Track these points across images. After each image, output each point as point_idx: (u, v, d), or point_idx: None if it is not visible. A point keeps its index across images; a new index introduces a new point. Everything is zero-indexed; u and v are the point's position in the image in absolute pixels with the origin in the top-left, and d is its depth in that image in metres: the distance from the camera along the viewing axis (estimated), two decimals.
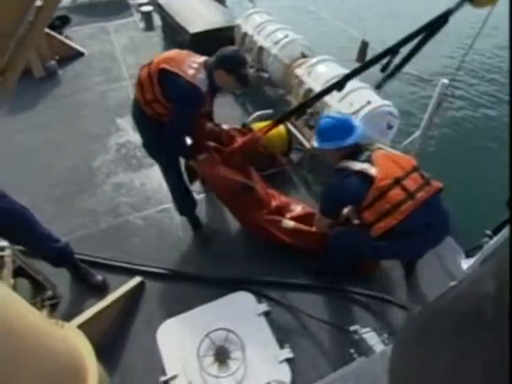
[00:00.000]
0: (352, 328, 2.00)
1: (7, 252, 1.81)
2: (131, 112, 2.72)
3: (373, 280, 2.69)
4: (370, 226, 2.22)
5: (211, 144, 2.75)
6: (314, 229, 2.73)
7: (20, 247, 2.28)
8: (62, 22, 6.28)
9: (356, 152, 2.32)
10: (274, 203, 2.91)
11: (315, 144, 2.46)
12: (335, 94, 3.23)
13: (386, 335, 1.86)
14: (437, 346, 0.83)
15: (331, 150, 2.39)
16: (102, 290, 2.61)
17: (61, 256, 2.50)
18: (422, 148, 3.20)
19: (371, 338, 1.86)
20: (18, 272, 2.08)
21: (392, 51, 2.33)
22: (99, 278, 2.66)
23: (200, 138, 2.79)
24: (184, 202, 2.97)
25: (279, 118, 2.81)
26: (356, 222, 2.54)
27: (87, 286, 2.63)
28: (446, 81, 2.77)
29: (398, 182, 2.15)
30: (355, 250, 2.44)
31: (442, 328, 0.88)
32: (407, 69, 2.89)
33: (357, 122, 2.47)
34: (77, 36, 6.22)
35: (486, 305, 0.55)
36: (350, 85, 3.23)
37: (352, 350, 1.89)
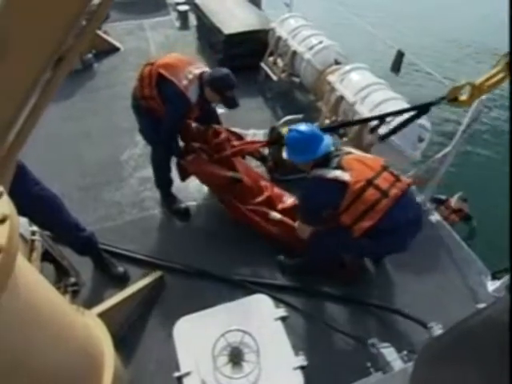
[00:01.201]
0: (370, 341, 1.96)
1: (37, 236, 1.86)
2: (131, 97, 2.95)
3: (394, 294, 2.65)
4: (349, 229, 2.27)
5: (197, 145, 3.02)
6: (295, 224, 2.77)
7: (48, 233, 2.34)
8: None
9: (326, 159, 2.36)
10: (266, 193, 3.04)
11: (287, 156, 2.48)
12: (366, 103, 3.21)
13: (405, 352, 1.81)
14: (465, 369, 0.80)
15: (303, 162, 2.44)
16: (122, 281, 2.65)
17: (86, 245, 2.56)
18: (453, 163, 3.12)
19: (390, 353, 1.82)
20: (44, 256, 2.14)
21: (381, 119, 2.85)
22: (121, 269, 2.71)
23: (187, 139, 3.06)
24: (163, 178, 3.22)
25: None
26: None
27: (108, 277, 2.68)
28: (483, 97, 2.70)
29: (370, 182, 2.21)
30: (337, 249, 2.48)
31: (471, 352, 0.85)
32: (444, 81, 2.85)
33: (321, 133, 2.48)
34: (114, 31, 6.37)
35: None
36: (383, 95, 3.21)
37: (369, 364, 1.85)
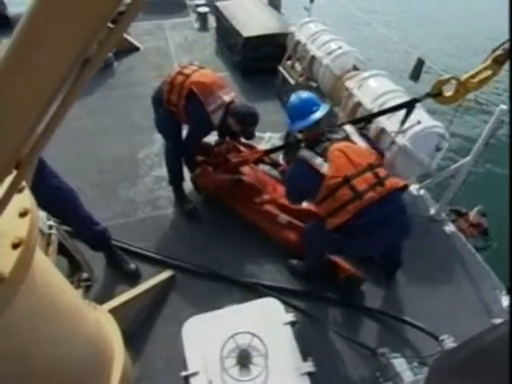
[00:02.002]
0: (380, 351, 1.94)
1: (54, 231, 1.89)
2: (153, 93, 3.06)
3: (406, 305, 2.62)
4: (324, 220, 2.25)
5: (201, 158, 3.28)
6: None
7: (65, 227, 2.38)
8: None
9: (317, 140, 2.33)
10: (273, 192, 3.15)
11: (290, 128, 2.52)
12: (380, 108, 3.18)
13: (415, 364, 1.79)
14: None
15: (304, 128, 2.40)
16: (134, 279, 2.68)
17: (99, 240, 2.59)
18: (471, 174, 3.07)
19: (400, 364, 1.80)
20: (59, 250, 2.17)
21: (368, 119, 2.93)
22: (133, 266, 2.73)
23: (195, 153, 3.28)
24: (174, 175, 3.29)
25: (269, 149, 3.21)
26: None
27: (120, 273, 2.70)
28: (504, 106, 2.65)
29: (347, 181, 2.13)
30: (318, 241, 2.46)
31: (487, 367, 0.84)
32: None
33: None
34: (134, 31, 6.46)
35: None
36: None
37: (378, 374, 1.83)
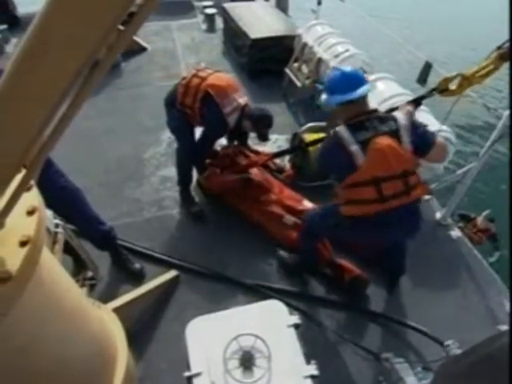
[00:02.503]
0: (384, 355, 1.92)
1: (60, 229, 1.90)
2: (167, 95, 3.09)
3: (411, 310, 2.60)
4: (340, 205, 2.23)
5: (208, 161, 3.33)
6: None
7: (71, 226, 2.39)
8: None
9: (360, 124, 2.12)
10: (279, 193, 3.18)
11: (325, 101, 2.30)
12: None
13: (419, 369, 1.77)
14: None
15: (339, 104, 2.20)
16: (138, 278, 2.69)
17: (104, 239, 2.61)
18: (476, 179, 3.05)
19: (403, 369, 1.78)
20: (65, 248, 2.18)
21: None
22: (137, 266, 2.74)
23: (207, 155, 3.32)
24: (183, 176, 3.32)
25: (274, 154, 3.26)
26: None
27: (125, 273, 2.71)
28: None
29: (376, 182, 2.06)
30: (318, 228, 2.45)
31: (493, 374, 0.83)
32: (472, 94, 2.79)
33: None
34: (142, 32, 6.49)
35: None
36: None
37: (381, 378, 1.82)
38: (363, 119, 2.13)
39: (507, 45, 2.26)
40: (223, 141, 3.54)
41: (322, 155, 2.35)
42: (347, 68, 2.29)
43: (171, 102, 3.03)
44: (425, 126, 2.29)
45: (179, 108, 2.97)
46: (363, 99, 2.19)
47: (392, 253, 2.66)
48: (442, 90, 2.52)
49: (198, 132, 3.16)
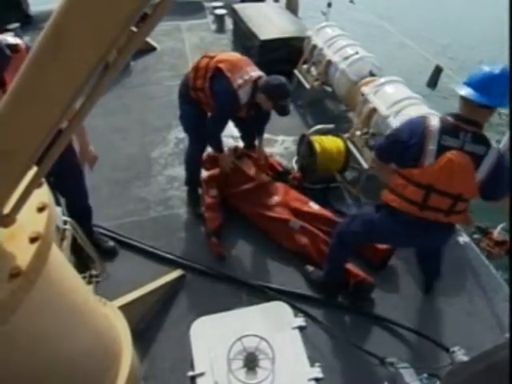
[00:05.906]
0: (389, 360, 1.91)
1: (68, 226, 1.91)
2: (179, 86, 2.99)
3: (416, 315, 2.59)
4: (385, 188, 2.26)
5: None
6: (321, 234, 2.84)
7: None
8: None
9: (455, 129, 1.99)
10: (284, 194, 3.13)
11: (476, 98, 1.97)
12: (400, 117, 3.15)
13: (425, 375, 1.76)
14: None
15: (468, 100, 1.98)
16: (111, 255, 2.80)
17: (86, 212, 2.71)
18: None
19: (409, 374, 1.77)
20: (72, 245, 2.20)
21: None
22: (111, 243, 2.85)
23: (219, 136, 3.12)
24: (192, 176, 3.30)
25: None
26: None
27: (99, 251, 2.71)
28: None
29: (429, 189, 2.04)
30: (353, 226, 2.42)
31: (501, 383, 0.82)
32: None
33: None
34: (152, 32, 6.51)
35: None
36: (417, 110, 3.13)
37: (386, 383, 1.81)
38: (462, 126, 2.01)
39: None
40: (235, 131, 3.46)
41: (398, 128, 2.26)
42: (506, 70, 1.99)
43: (185, 90, 2.92)
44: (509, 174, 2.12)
45: (192, 95, 2.86)
46: (480, 108, 2.00)
47: (428, 256, 2.69)
48: None
49: None
